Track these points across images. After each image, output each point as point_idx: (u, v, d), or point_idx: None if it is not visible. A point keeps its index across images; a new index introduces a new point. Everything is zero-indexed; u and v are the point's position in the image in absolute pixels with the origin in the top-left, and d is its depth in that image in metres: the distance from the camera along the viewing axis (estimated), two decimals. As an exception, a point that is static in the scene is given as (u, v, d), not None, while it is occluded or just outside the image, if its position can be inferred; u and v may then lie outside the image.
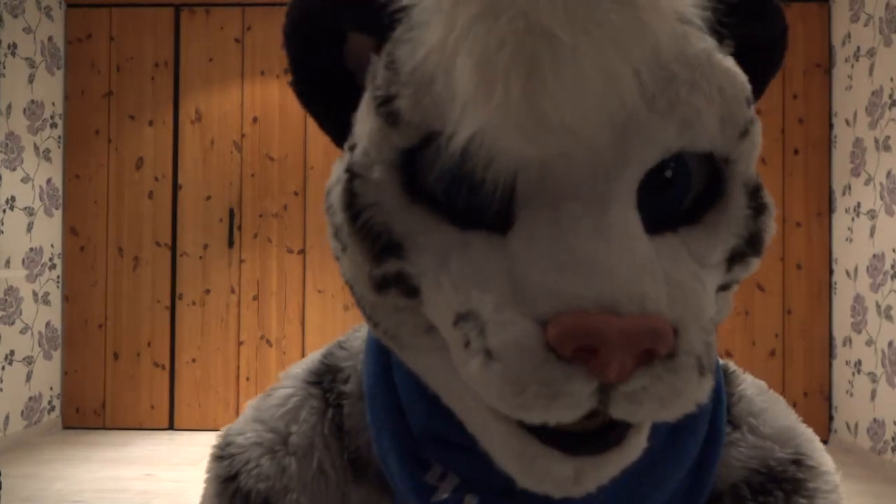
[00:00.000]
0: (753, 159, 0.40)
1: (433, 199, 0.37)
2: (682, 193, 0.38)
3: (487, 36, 0.31)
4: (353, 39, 0.43)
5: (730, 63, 0.39)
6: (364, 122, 0.40)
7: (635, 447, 0.36)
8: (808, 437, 0.52)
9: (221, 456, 0.53)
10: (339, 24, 0.42)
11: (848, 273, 3.48)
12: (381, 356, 0.47)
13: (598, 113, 0.32)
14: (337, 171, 0.43)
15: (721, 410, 0.47)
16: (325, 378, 0.51)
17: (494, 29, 0.31)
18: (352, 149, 0.41)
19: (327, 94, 0.45)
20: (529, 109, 0.31)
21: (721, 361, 0.51)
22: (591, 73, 0.31)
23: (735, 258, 0.40)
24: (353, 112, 0.44)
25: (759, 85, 0.45)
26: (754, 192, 0.40)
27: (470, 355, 0.33)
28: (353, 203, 0.39)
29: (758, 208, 0.40)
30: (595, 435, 0.34)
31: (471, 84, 0.32)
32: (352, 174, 0.39)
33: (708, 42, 0.37)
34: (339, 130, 0.46)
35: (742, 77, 0.39)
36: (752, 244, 0.40)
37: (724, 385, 0.50)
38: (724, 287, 0.40)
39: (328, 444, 0.48)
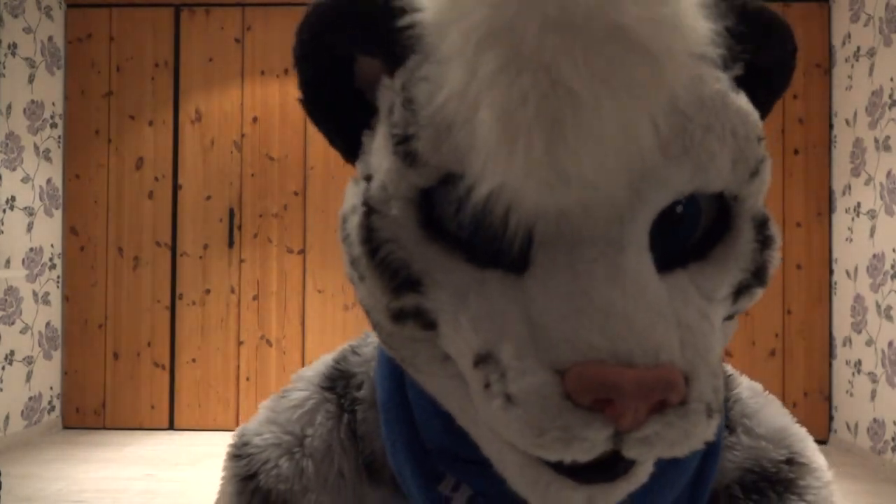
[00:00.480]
0: (763, 195, 0.41)
1: (450, 235, 0.38)
2: (692, 230, 0.39)
3: (510, 90, 0.31)
4: (363, 60, 0.43)
5: (742, 101, 0.39)
6: (381, 156, 0.40)
7: (642, 475, 0.37)
8: (801, 437, 0.52)
9: (239, 455, 0.53)
10: (349, 48, 0.43)
11: (848, 273, 3.48)
12: (394, 369, 0.48)
13: (616, 166, 0.33)
14: (352, 199, 0.43)
15: (720, 424, 0.48)
16: (339, 383, 0.52)
17: (517, 83, 0.31)
18: (367, 179, 0.41)
19: (337, 111, 0.45)
20: (551, 165, 0.32)
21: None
22: (610, 129, 0.32)
23: (741, 291, 0.41)
24: (363, 129, 0.44)
25: (766, 106, 0.46)
26: (761, 226, 0.41)
27: (490, 397, 0.34)
28: (371, 238, 0.39)
29: (764, 241, 0.41)
30: (606, 465, 0.35)
31: (492, 138, 0.32)
32: (369, 208, 0.40)
33: (722, 82, 0.38)
34: (348, 146, 0.46)
35: (754, 115, 0.39)
36: (757, 276, 0.41)
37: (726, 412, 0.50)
38: (729, 317, 0.42)
39: (345, 447, 0.49)
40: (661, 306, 0.34)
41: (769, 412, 0.52)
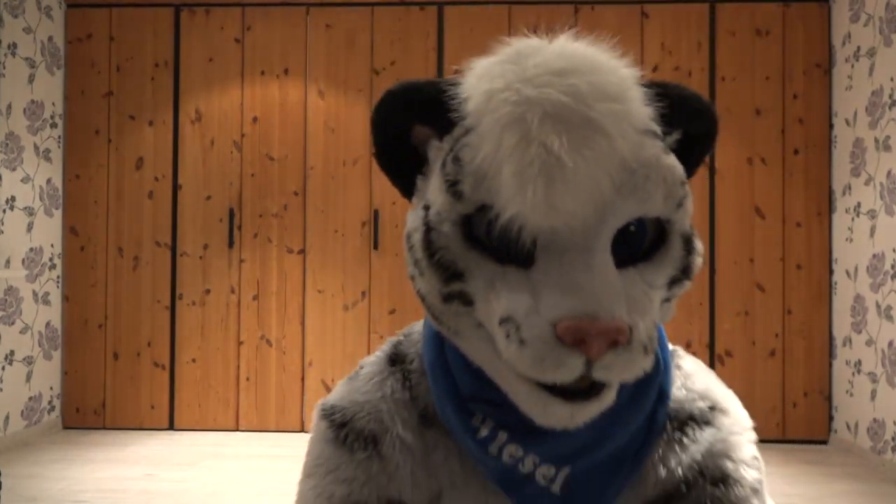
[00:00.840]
0: (688, 219, 0.60)
1: (482, 244, 0.57)
2: (641, 242, 0.58)
3: (522, 157, 0.51)
4: (418, 128, 0.64)
5: (671, 159, 0.58)
6: (436, 193, 0.59)
7: (607, 399, 0.56)
8: (726, 394, 0.70)
9: (330, 413, 0.70)
10: (410, 120, 0.63)
11: (848, 273, 3.48)
12: (436, 345, 0.67)
13: (587, 203, 0.52)
14: (414, 221, 0.62)
15: (668, 378, 0.67)
16: (397, 362, 0.71)
17: (526, 153, 0.51)
18: (426, 208, 0.60)
19: (398, 162, 0.66)
20: (546, 203, 0.51)
21: (672, 347, 0.72)
22: (582, 180, 0.51)
23: (673, 282, 0.59)
24: (415, 174, 0.65)
25: (697, 160, 0.67)
26: (688, 240, 0.60)
27: (510, 343, 0.53)
28: (431, 247, 0.58)
29: (689, 250, 0.60)
30: (583, 390, 0.55)
31: (511, 185, 0.52)
32: (428, 227, 0.59)
33: (657, 146, 0.57)
34: (405, 185, 0.66)
35: (679, 168, 0.58)
36: (685, 273, 0.60)
37: (671, 363, 0.69)
38: (666, 300, 0.60)
39: (406, 405, 0.68)
40: (616, 287, 0.53)
41: (702, 376, 0.70)
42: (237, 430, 3.77)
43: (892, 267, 3.11)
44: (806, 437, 3.61)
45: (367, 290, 3.76)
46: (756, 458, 0.66)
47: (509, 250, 0.55)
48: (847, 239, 3.49)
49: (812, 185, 3.66)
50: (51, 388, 3.73)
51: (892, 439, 3.08)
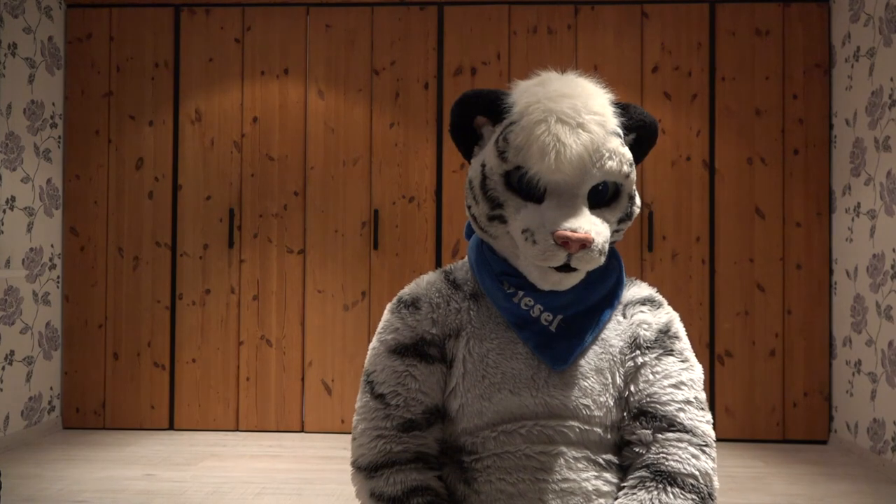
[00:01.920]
0: (633, 186, 0.99)
1: (514, 188, 0.95)
2: (604, 196, 0.96)
3: (543, 140, 0.90)
4: (478, 118, 1.02)
5: (626, 150, 0.96)
6: (490, 156, 0.97)
7: (580, 275, 0.96)
8: (658, 297, 1.10)
9: (400, 297, 1.05)
10: (474, 113, 1.02)
11: (848, 273, 3.48)
12: (479, 251, 1.04)
13: (576, 168, 0.91)
14: (474, 171, 1.01)
15: (622, 275, 1.05)
16: (448, 272, 1.08)
17: (546, 139, 0.90)
18: (483, 165, 0.99)
19: (465, 138, 1.05)
20: (555, 166, 0.90)
21: (638, 280, 1.11)
22: (575, 156, 0.90)
23: (621, 221, 0.99)
24: (475, 145, 1.05)
25: (643, 153, 1.06)
26: (631, 197, 1.00)
27: (527, 243, 0.92)
28: (485, 187, 0.97)
29: (631, 203, 1.00)
30: (566, 268, 0.93)
31: (536, 156, 0.91)
32: (484, 176, 0.98)
33: (618, 141, 0.95)
34: (467, 154, 1.06)
35: (629, 155, 0.97)
36: (628, 216, 1.00)
37: (623, 267, 1.07)
38: (616, 231, 1.00)
39: (451, 289, 1.04)
40: (587, 218, 0.92)
41: (645, 289, 1.10)
42: (237, 430, 3.77)
43: (892, 267, 3.11)
44: (806, 437, 3.61)
45: (367, 290, 3.75)
46: (684, 334, 1.05)
47: (530, 193, 0.94)
48: (847, 239, 3.49)
49: (812, 185, 3.66)
50: (51, 388, 3.73)
51: (892, 439, 3.08)
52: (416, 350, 0.99)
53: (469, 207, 1.01)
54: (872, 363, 3.25)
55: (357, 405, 1.02)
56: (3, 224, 3.39)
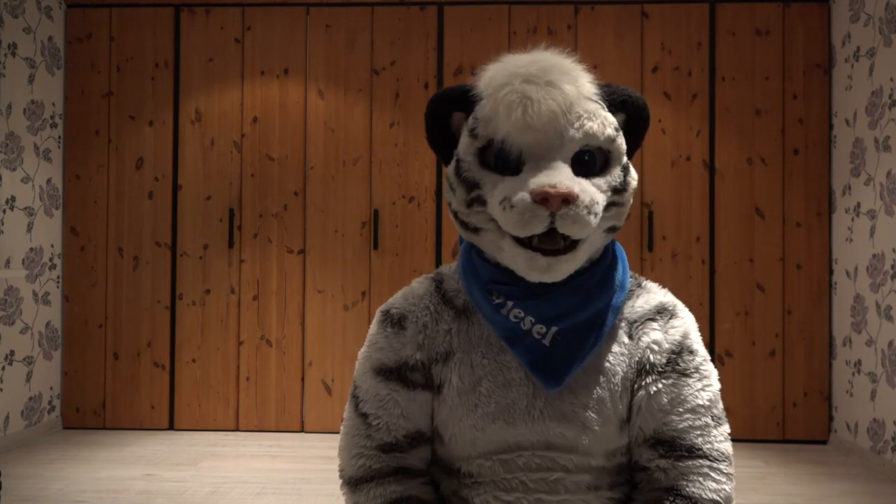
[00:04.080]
0: (623, 155, 0.91)
1: (489, 165, 0.89)
2: (593, 165, 0.89)
3: (509, 100, 0.84)
4: (455, 116, 0.96)
5: (608, 114, 0.90)
6: (463, 141, 0.92)
7: (574, 259, 0.87)
8: (676, 303, 1.01)
9: (387, 309, 0.99)
10: (446, 110, 0.96)
11: (848, 273, 3.48)
12: (468, 257, 0.98)
13: (548, 126, 0.84)
14: (450, 168, 0.95)
15: (626, 277, 0.97)
16: (437, 280, 1.01)
17: (511, 97, 0.84)
18: (456, 154, 0.93)
19: (441, 141, 0.98)
20: (524, 122, 0.84)
21: (643, 278, 1.03)
22: (545, 111, 0.83)
23: (615, 192, 0.89)
24: (454, 149, 0.96)
25: (636, 137, 0.97)
26: (626, 167, 0.91)
27: (504, 211, 0.84)
28: (459, 171, 0.91)
29: (625, 173, 0.91)
30: (557, 251, 0.85)
31: (503, 115, 0.84)
32: (458, 160, 0.92)
33: (597, 105, 0.89)
34: (445, 157, 0.98)
35: (612, 119, 0.90)
36: (623, 186, 0.91)
37: (628, 271, 0.98)
38: (613, 203, 0.90)
39: (444, 305, 0.97)
40: (570, 176, 0.84)
41: (658, 295, 1.01)
42: (237, 430, 3.77)
43: (892, 267, 3.11)
44: (806, 437, 3.61)
45: (367, 290, 3.75)
46: (699, 341, 0.98)
47: (506, 166, 0.87)
48: (847, 239, 3.49)
49: (812, 185, 3.66)
50: (51, 388, 3.73)
51: (892, 439, 3.08)
52: (398, 375, 0.94)
53: (450, 204, 0.95)
54: (872, 363, 3.25)
55: (344, 414, 1.00)
56: (3, 224, 3.39)
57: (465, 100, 0.93)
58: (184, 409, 3.77)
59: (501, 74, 0.87)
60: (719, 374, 3.64)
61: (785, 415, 3.62)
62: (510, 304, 0.90)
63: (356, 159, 3.77)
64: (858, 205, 3.39)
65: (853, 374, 3.41)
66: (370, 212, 3.76)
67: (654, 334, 0.93)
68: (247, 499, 2.73)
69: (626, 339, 0.93)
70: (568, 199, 0.80)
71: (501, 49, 3.74)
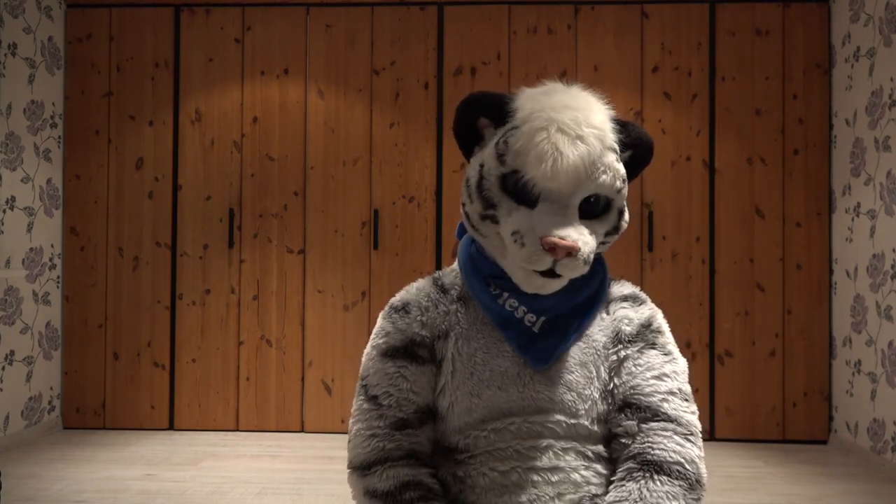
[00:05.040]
0: (623, 200, 1.02)
1: (509, 191, 0.98)
2: (595, 209, 1.00)
3: (542, 148, 0.93)
4: (481, 120, 1.04)
5: (620, 166, 1.00)
6: (489, 158, 1.00)
7: (563, 280, 0.98)
8: (644, 296, 1.13)
9: (392, 304, 1.08)
10: (477, 114, 1.04)
11: (848, 273, 3.48)
12: (468, 252, 1.09)
13: (571, 178, 0.94)
14: (472, 171, 1.03)
15: (605, 278, 1.09)
16: (437, 279, 1.10)
17: (545, 146, 0.93)
18: (481, 165, 1.01)
19: (467, 139, 1.07)
20: (551, 174, 0.93)
21: (623, 282, 1.14)
22: (571, 167, 0.93)
23: (608, 234, 1.02)
24: (476, 146, 1.07)
25: (638, 170, 1.09)
26: (621, 211, 1.03)
27: (516, 246, 0.95)
28: (480, 187, 1.00)
29: (620, 217, 1.03)
30: (550, 273, 0.95)
31: (534, 162, 0.94)
32: (481, 176, 1.00)
33: (614, 157, 0.99)
34: (467, 153, 1.09)
35: (623, 171, 1.01)
36: (615, 230, 1.03)
37: (608, 270, 1.12)
38: (602, 243, 1.03)
39: (439, 293, 1.07)
40: (577, 228, 0.95)
41: (628, 287, 1.14)
42: (237, 430, 3.77)
43: (892, 267, 3.11)
44: (806, 437, 3.61)
45: (366, 290, 3.75)
46: (666, 328, 1.09)
47: (524, 197, 0.97)
48: (847, 239, 3.49)
49: (812, 185, 3.66)
50: (51, 388, 3.73)
51: (892, 439, 3.08)
52: (406, 352, 1.02)
53: (463, 205, 1.04)
54: (872, 363, 3.25)
55: (352, 409, 1.05)
56: (3, 224, 3.39)
57: (498, 111, 1.02)
58: (184, 409, 3.77)
59: (540, 116, 0.95)
60: (719, 374, 3.66)
61: (785, 415, 3.62)
62: (506, 295, 1.02)
63: (356, 159, 3.77)
64: (858, 205, 3.39)
65: (853, 374, 3.41)
66: (370, 212, 3.76)
67: (625, 311, 1.06)
68: (247, 499, 2.73)
69: (604, 315, 1.06)
70: (571, 253, 0.92)
71: (501, 49, 3.75)
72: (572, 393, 0.98)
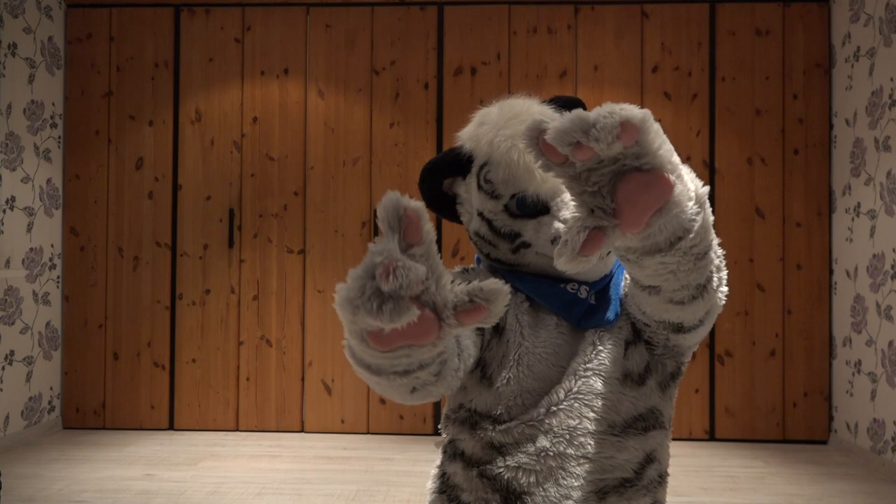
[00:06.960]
0: None
1: (517, 215, 0.97)
2: None
3: (520, 162, 0.95)
4: (445, 182, 1.06)
5: None
6: (483, 203, 1.00)
7: (591, 263, 0.92)
8: None
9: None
10: (441, 178, 1.06)
11: (848, 273, 3.47)
12: (509, 271, 1.06)
13: (551, 183, 0.96)
14: (476, 225, 1.03)
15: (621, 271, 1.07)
16: (464, 269, 1.08)
17: (520, 159, 0.95)
18: (480, 214, 1.01)
19: (442, 205, 1.08)
20: (546, 177, 0.93)
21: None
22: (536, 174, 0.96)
23: None
24: (456, 206, 1.08)
25: None
26: None
27: (556, 246, 0.83)
28: (494, 227, 1.00)
29: None
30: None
31: (524, 177, 0.95)
32: (489, 221, 1.00)
33: None
34: (452, 216, 1.10)
35: None
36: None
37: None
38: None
39: (478, 275, 1.03)
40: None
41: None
42: (237, 430, 3.77)
43: (892, 267, 3.11)
44: (806, 437, 3.61)
45: (367, 290, 3.75)
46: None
47: (536, 210, 0.98)
48: (847, 239, 3.49)
49: (812, 185, 3.66)
50: (51, 388, 3.73)
51: (892, 439, 3.08)
52: None
53: (488, 255, 1.04)
54: (872, 363, 3.25)
55: None
56: (3, 224, 3.39)
57: (455, 165, 1.04)
58: (184, 409, 3.77)
59: (500, 140, 0.97)
60: (719, 374, 3.66)
61: (785, 415, 3.62)
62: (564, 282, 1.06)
63: (356, 159, 3.77)
64: (858, 205, 3.39)
65: (853, 374, 3.41)
66: (370, 212, 3.75)
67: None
68: (247, 499, 2.73)
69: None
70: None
71: (501, 49, 3.75)
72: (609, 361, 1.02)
